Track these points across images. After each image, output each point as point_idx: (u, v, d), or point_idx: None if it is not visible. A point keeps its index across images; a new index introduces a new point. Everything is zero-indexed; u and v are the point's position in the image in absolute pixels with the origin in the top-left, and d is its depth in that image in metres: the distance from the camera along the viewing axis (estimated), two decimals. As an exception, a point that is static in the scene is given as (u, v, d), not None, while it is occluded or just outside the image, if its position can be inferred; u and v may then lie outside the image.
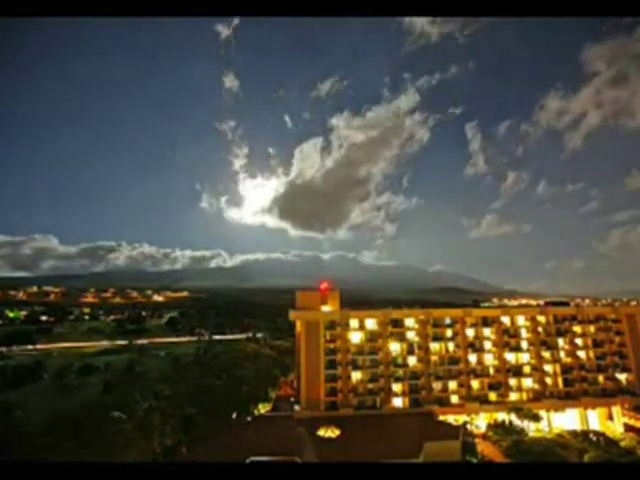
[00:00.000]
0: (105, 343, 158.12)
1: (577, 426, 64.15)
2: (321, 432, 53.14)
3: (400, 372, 65.62)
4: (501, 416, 62.49)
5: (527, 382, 68.23)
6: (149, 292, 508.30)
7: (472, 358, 68.32)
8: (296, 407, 62.58)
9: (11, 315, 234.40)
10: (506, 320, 71.69)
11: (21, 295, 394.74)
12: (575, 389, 67.77)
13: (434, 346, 68.19)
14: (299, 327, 70.05)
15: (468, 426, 60.32)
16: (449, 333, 69.41)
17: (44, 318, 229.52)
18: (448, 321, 70.19)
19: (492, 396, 65.98)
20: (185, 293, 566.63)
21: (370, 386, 64.43)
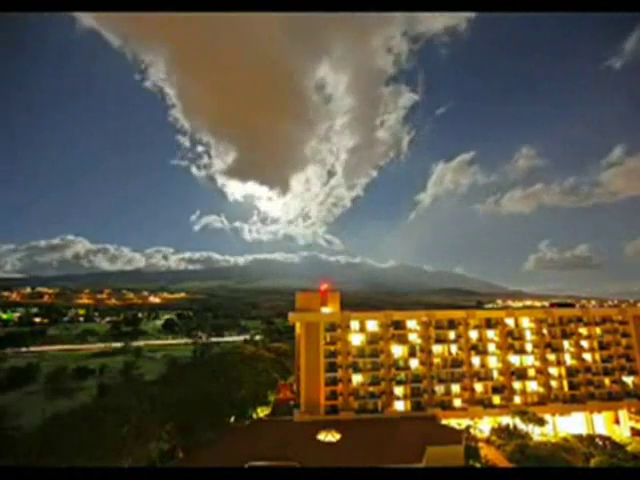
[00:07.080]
0: (100, 345, 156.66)
1: (583, 430, 63.14)
2: (321, 436, 52.37)
3: (402, 375, 64.54)
4: (505, 420, 61.50)
5: (532, 385, 67.24)
6: (145, 293, 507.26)
7: (475, 361, 67.22)
8: (295, 411, 61.36)
9: (4, 317, 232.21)
10: (510, 322, 70.66)
11: (14, 296, 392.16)
12: (581, 392, 66.69)
13: (437, 348, 67.13)
14: (299, 329, 68.97)
15: (471, 430, 59.21)
16: (452, 335, 68.36)
17: (38, 320, 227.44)
18: (451, 323, 69.20)
19: (496, 399, 64.93)
20: (182, 294, 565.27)
21: (371, 389, 63.35)
